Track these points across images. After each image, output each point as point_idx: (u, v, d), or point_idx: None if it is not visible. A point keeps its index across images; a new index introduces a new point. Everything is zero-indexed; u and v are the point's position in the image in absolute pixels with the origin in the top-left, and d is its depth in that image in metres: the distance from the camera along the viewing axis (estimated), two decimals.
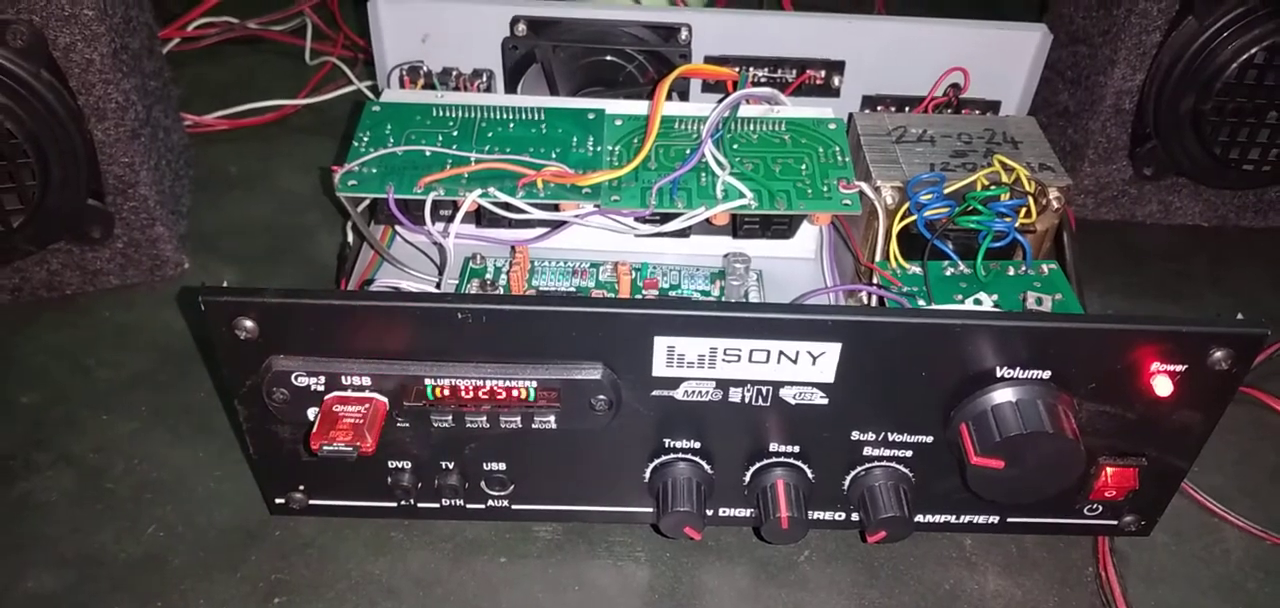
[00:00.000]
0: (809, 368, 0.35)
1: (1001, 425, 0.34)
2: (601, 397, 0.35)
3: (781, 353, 0.35)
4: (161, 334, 0.50)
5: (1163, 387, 0.35)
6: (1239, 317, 0.34)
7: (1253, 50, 0.51)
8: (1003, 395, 0.35)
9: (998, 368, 0.35)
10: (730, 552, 0.41)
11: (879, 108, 0.55)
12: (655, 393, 0.36)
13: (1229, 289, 0.56)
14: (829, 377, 0.35)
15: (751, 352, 0.35)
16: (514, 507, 0.40)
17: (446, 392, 0.35)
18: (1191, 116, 0.54)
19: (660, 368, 0.35)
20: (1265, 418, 0.48)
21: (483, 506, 0.39)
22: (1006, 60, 0.53)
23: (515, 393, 0.35)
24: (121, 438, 0.44)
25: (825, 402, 0.36)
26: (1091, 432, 0.36)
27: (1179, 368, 0.35)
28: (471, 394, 0.35)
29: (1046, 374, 0.35)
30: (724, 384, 0.36)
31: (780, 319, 0.34)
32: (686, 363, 0.35)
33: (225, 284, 0.33)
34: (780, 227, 0.46)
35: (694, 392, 0.36)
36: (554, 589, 0.39)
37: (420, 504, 0.39)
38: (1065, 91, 0.58)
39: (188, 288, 0.52)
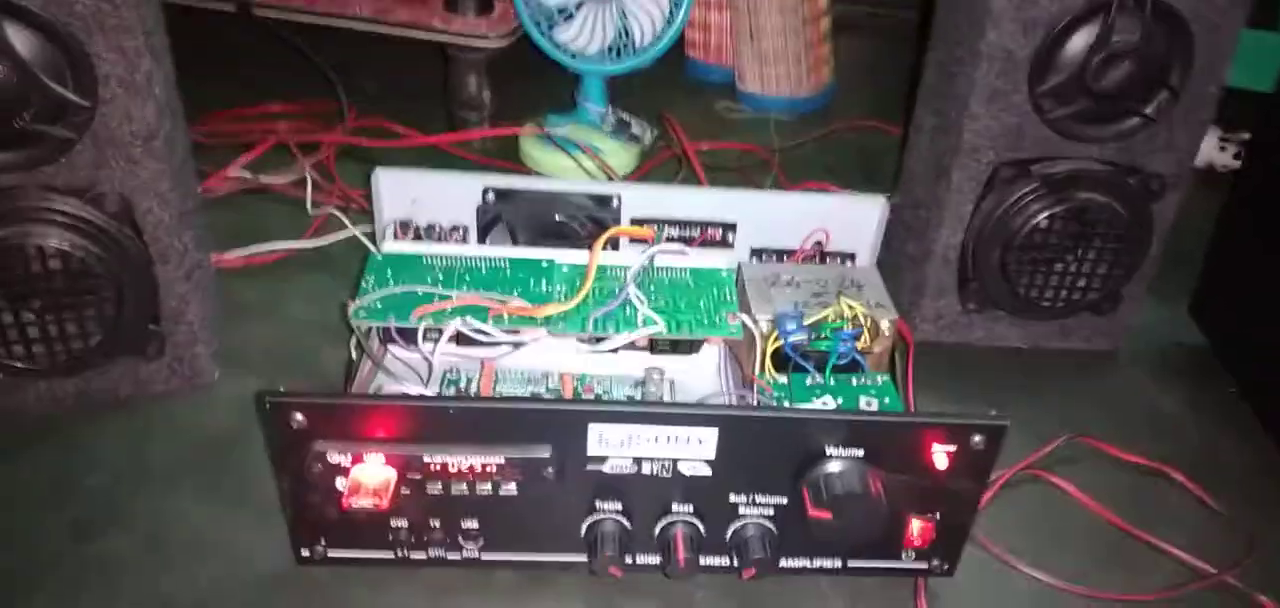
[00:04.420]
0: (697, 448, 0.50)
1: (828, 488, 0.49)
2: (549, 469, 0.49)
3: (677, 437, 0.49)
4: (200, 429, 0.63)
5: (941, 461, 0.50)
6: (992, 413, 0.50)
7: (1037, 218, 0.68)
8: (829, 467, 0.50)
9: (827, 448, 0.50)
10: (642, 588, 0.54)
11: (760, 259, 0.71)
12: (588, 468, 0.50)
13: (1035, 395, 0.72)
14: (711, 455, 0.50)
15: (656, 437, 0.49)
16: (483, 556, 0.53)
17: (437, 467, 0.49)
18: (1000, 265, 0.71)
19: (593, 449, 0.49)
20: (1051, 494, 0.63)
21: (459, 555, 0.53)
22: (857, 222, 0.70)
23: (487, 468, 0.49)
24: (175, 508, 0.57)
25: (710, 473, 0.50)
26: (897, 493, 0.51)
27: (951, 448, 0.50)
28: (456, 469, 0.49)
29: (861, 452, 0.50)
30: (638, 460, 0.50)
31: (675, 413, 0.49)
32: (611, 445, 0.49)
33: (281, 389, 0.47)
34: (685, 347, 0.62)
35: (616, 467, 0.50)
36: None
37: (412, 555, 0.52)
38: (911, 243, 0.75)
39: (217, 393, 0.65)
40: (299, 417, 0.47)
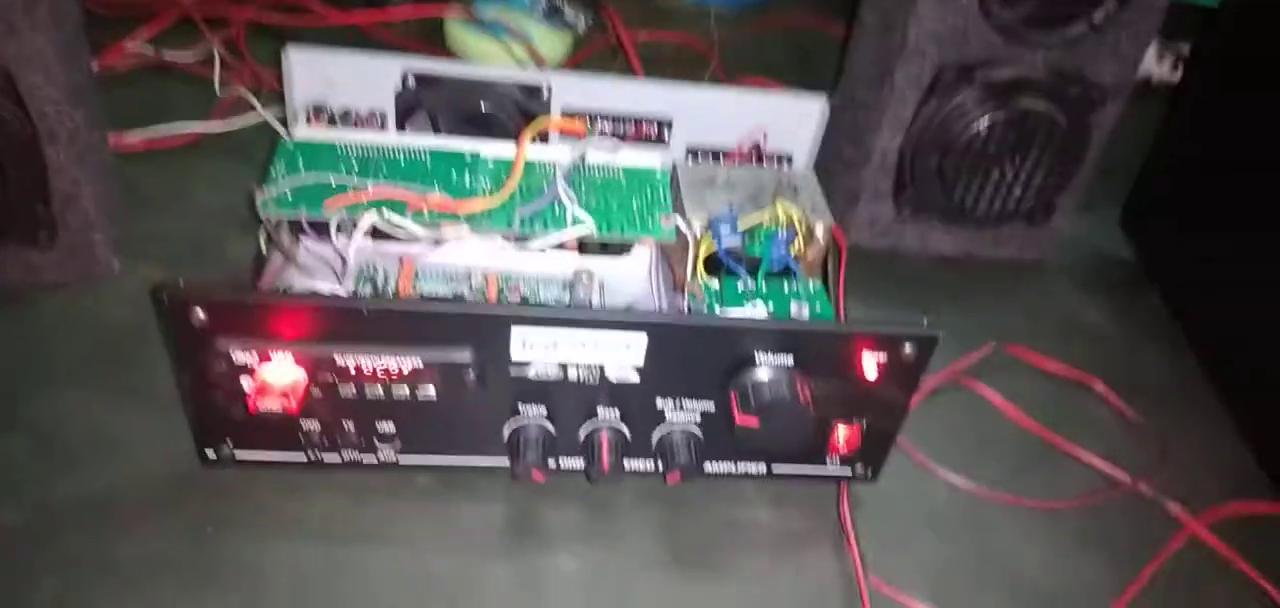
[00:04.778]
0: (625, 353, 0.48)
1: (757, 395, 0.48)
2: (471, 373, 0.47)
3: (604, 343, 0.47)
4: (97, 322, 0.59)
5: (870, 370, 0.50)
6: (923, 322, 0.49)
7: (977, 124, 0.67)
8: (758, 374, 0.49)
9: (756, 355, 0.48)
10: (566, 492, 0.53)
11: (696, 158, 0.69)
12: (512, 372, 0.48)
13: (964, 304, 0.72)
14: (640, 361, 0.48)
15: (583, 341, 0.47)
16: (400, 459, 0.51)
17: (351, 369, 0.46)
18: (937, 171, 0.70)
19: (516, 354, 0.47)
20: (975, 402, 0.64)
21: (375, 458, 0.51)
22: (797, 123, 0.67)
23: (404, 370, 0.47)
24: (71, 406, 0.54)
25: (638, 379, 0.49)
26: (825, 402, 0.50)
27: (881, 357, 0.49)
28: (371, 371, 0.46)
29: (790, 360, 0.49)
30: (563, 365, 0.48)
31: (603, 318, 0.47)
32: (536, 349, 0.47)
33: (180, 283, 0.44)
34: (616, 249, 0.60)
35: (540, 371, 0.48)
36: (430, 523, 0.51)
37: (324, 457, 0.50)
38: (849, 146, 0.73)
39: (117, 285, 0.61)
40: (199, 313, 0.44)
